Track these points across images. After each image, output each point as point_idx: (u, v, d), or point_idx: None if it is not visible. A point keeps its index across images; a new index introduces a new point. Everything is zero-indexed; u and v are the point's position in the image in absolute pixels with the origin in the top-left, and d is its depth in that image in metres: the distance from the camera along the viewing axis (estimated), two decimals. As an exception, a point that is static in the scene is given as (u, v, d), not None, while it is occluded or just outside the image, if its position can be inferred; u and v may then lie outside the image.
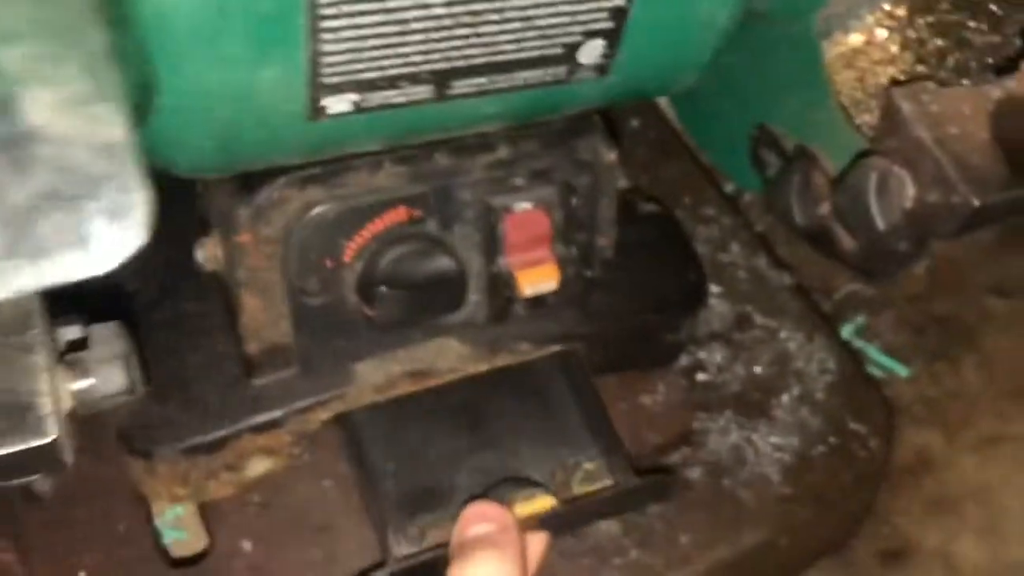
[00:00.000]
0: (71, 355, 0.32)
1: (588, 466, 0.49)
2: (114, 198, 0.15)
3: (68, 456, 0.30)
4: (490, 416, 0.50)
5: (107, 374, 0.31)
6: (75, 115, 0.14)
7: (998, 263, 0.78)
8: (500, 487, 0.46)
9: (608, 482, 0.48)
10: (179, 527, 0.53)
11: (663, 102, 0.74)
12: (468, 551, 0.41)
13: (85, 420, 0.51)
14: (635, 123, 0.72)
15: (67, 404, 0.32)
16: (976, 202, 0.39)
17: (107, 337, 0.32)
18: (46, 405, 0.29)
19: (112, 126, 0.15)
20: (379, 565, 0.45)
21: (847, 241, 0.47)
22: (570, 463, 0.49)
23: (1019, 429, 0.70)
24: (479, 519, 0.43)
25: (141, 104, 0.27)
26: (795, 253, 0.74)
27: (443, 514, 0.45)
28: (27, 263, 0.14)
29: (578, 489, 0.48)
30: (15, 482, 0.31)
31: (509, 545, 0.42)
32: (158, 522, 0.51)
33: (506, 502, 0.45)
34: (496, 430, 0.50)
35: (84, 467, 0.50)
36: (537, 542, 0.46)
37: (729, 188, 0.73)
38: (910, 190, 0.41)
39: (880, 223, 0.42)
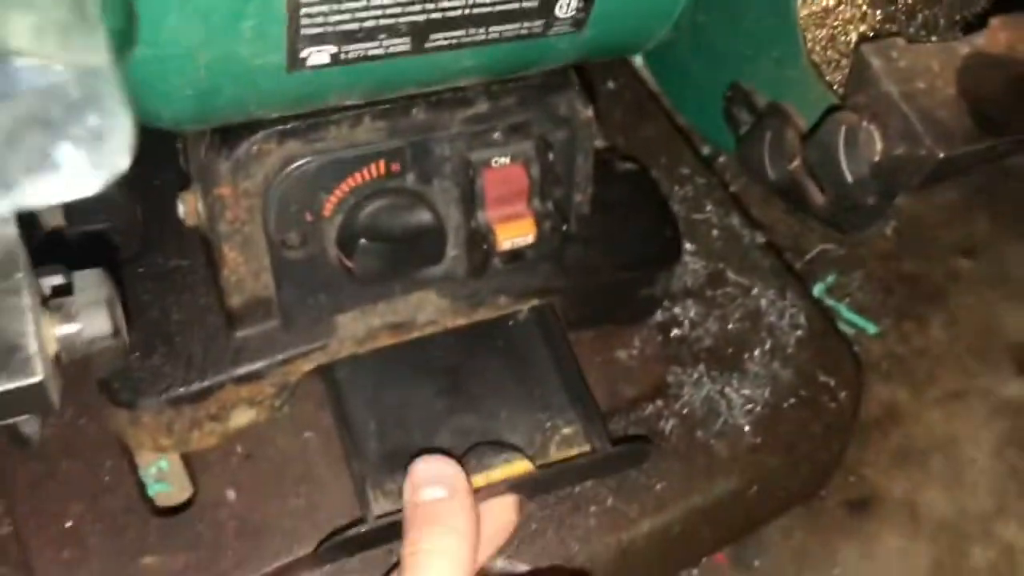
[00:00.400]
0: (55, 300, 0.33)
1: (566, 431, 0.50)
2: (97, 121, 0.15)
3: (55, 397, 0.31)
4: (471, 378, 0.51)
5: (92, 318, 0.32)
6: (57, 40, 0.15)
7: (965, 224, 0.79)
8: (479, 450, 0.47)
9: (585, 447, 0.49)
10: (163, 480, 0.54)
11: (639, 64, 0.75)
12: (419, 527, 0.42)
13: (68, 375, 0.52)
14: (611, 85, 0.72)
15: (52, 348, 0.32)
16: (941, 154, 0.40)
17: (91, 282, 0.33)
18: (32, 345, 0.29)
19: (94, 52, 0.15)
20: (357, 522, 0.46)
21: (817, 195, 0.49)
22: (548, 427, 0.50)
23: (984, 384, 0.72)
24: (431, 481, 0.43)
25: (122, 38, 0.28)
26: (768, 214, 0.76)
27: None
28: (12, 184, 0.15)
29: (556, 454, 0.49)
30: (2, 422, 0.31)
31: (460, 515, 0.42)
32: (142, 475, 0.52)
33: (485, 465, 0.46)
34: (476, 392, 0.51)
35: (68, 421, 0.51)
36: (505, 509, 0.47)
37: (705, 150, 0.74)
38: (878, 144, 0.43)
39: (848, 176, 0.44)
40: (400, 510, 0.45)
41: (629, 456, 0.51)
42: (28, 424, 0.37)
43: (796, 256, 0.75)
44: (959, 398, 0.71)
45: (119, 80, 0.15)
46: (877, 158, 0.43)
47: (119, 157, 0.15)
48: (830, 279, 0.74)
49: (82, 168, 0.15)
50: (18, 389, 0.29)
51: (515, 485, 0.47)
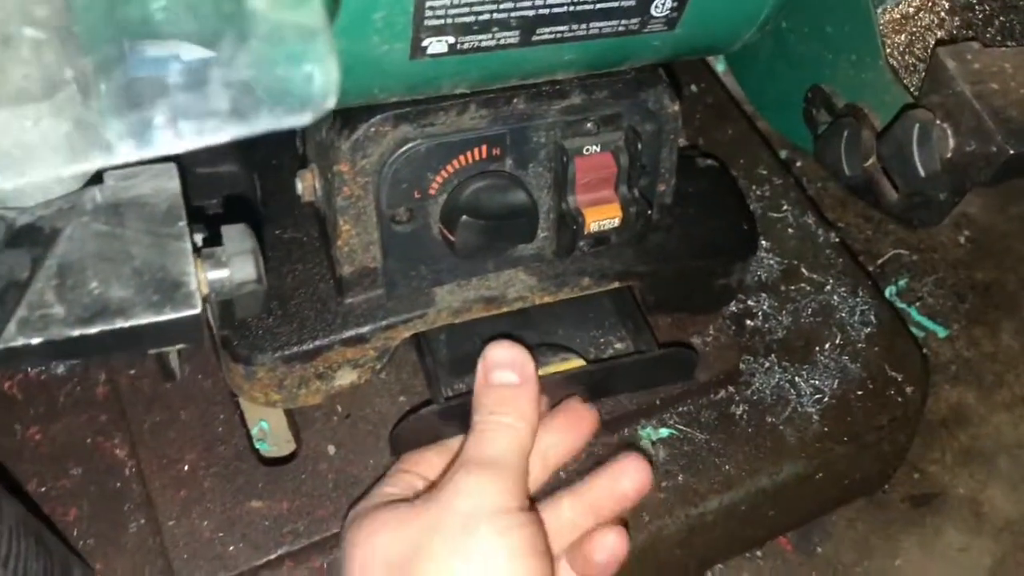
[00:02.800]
0: (206, 250, 0.38)
1: (617, 345, 0.56)
2: (312, 68, 0.19)
3: (206, 332, 0.36)
4: (534, 307, 0.55)
5: (240, 265, 0.37)
6: (285, 4, 0.19)
7: (1041, 234, 0.80)
8: (539, 350, 0.53)
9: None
10: (263, 440, 0.58)
11: (721, 69, 0.78)
12: (491, 405, 0.47)
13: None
14: (694, 88, 0.75)
15: (204, 290, 0.37)
16: (1011, 151, 0.43)
17: (238, 235, 0.37)
18: (193, 283, 0.34)
19: (312, 15, 0.19)
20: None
21: (890, 192, 0.51)
22: (601, 342, 0.56)
23: (1054, 391, 0.73)
24: (504, 366, 0.48)
25: (331, 12, 0.33)
26: (843, 217, 0.78)
27: None
28: (249, 116, 0.19)
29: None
30: (159, 350, 0.36)
31: (528, 404, 0.47)
32: (247, 433, 0.57)
33: (542, 363, 0.51)
34: (537, 315, 0.56)
35: (188, 377, 0.56)
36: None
37: (784, 154, 0.77)
38: (951, 141, 0.45)
39: (921, 171, 0.46)
40: (466, 394, 0.50)
41: (675, 362, 0.55)
42: (174, 358, 0.41)
43: (869, 260, 0.77)
44: (1028, 404, 0.72)
45: (330, 38, 0.19)
46: (949, 154, 0.45)
47: (328, 99, 0.19)
48: (902, 283, 0.76)
49: (296, 106, 0.19)
50: (179, 320, 0.34)
51: (570, 378, 0.52)
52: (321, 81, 0.19)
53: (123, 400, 0.56)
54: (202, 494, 0.53)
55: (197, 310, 0.34)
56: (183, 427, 0.55)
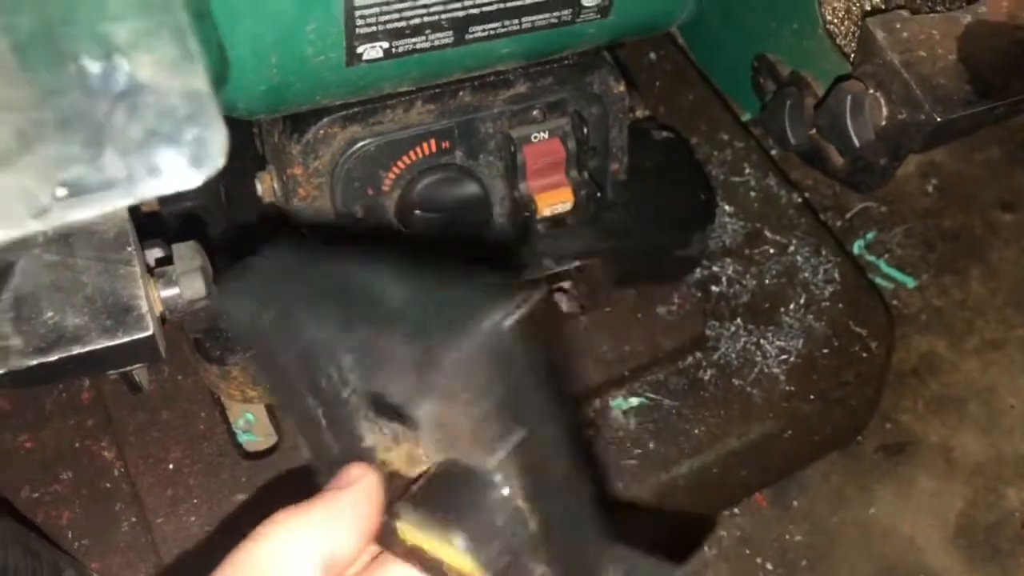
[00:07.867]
0: (159, 269, 0.39)
1: None
2: (200, 132, 0.21)
3: (162, 349, 0.37)
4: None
5: (189, 283, 0.38)
6: (169, 73, 0.20)
7: (1006, 179, 0.81)
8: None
9: None
10: (249, 431, 0.60)
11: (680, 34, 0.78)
12: None
13: (168, 337, 0.59)
14: (653, 56, 0.76)
15: (158, 309, 0.39)
16: (939, 118, 0.44)
17: (187, 253, 0.39)
18: (144, 306, 0.36)
19: (196, 80, 0.21)
20: None
21: (836, 158, 0.52)
22: None
23: (1022, 333, 0.74)
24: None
25: (218, 75, 0.34)
26: (810, 174, 0.79)
27: None
28: (138, 182, 0.20)
29: None
30: (120, 370, 0.38)
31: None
32: (232, 426, 0.59)
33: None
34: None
35: (167, 377, 0.58)
36: None
37: (746, 116, 0.77)
38: (884, 110, 0.46)
39: (856, 141, 0.47)
40: None
41: None
42: (139, 372, 0.43)
43: (837, 214, 0.78)
44: (997, 348, 0.74)
45: (216, 101, 0.21)
46: (883, 123, 0.46)
47: (216, 159, 0.21)
48: (870, 236, 0.77)
49: (188, 167, 0.21)
50: (133, 342, 0.36)
51: None
52: (209, 143, 0.21)
53: (107, 403, 0.58)
54: (188, 491, 0.55)
55: (149, 331, 0.36)
56: (166, 426, 0.57)
